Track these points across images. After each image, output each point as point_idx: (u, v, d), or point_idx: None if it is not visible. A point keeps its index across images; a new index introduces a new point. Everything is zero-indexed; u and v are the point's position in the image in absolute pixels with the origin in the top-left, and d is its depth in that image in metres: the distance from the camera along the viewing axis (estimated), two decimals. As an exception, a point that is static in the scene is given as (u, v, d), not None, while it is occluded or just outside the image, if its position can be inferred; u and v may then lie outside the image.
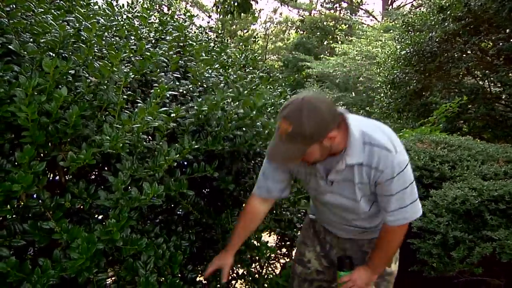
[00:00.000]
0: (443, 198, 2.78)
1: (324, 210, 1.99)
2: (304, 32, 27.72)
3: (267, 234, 4.00)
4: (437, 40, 6.53)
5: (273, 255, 4.20)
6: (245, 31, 28.39)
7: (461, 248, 2.50)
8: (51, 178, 1.92)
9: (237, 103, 2.07)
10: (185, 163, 2.07)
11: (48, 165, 1.87)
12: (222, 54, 2.62)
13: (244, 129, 2.15)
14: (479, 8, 5.94)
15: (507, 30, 6.17)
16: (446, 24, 6.42)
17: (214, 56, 2.51)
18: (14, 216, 1.61)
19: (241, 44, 3.52)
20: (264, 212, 1.99)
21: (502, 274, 2.72)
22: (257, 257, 3.24)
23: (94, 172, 2.07)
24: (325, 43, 26.62)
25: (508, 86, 6.06)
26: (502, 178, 2.95)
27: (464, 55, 6.73)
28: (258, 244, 2.30)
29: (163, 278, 1.92)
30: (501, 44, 6.06)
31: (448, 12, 6.49)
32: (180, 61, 2.43)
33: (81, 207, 1.74)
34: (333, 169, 1.70)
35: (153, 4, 3.94)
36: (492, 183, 2.75)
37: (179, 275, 2.03)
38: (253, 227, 2.02)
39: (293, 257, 2.40)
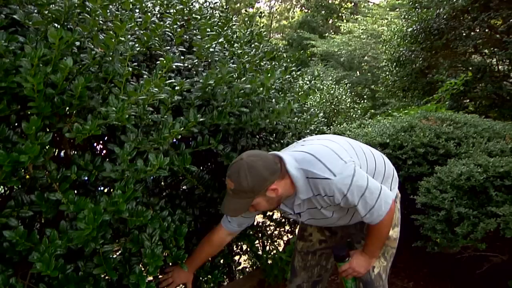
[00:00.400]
0: (448, 174, 2.78)
1: (311, 224, 2.18)
2: (309, 10, 27.36)
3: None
4: (444, 17, 6.43)
5: (276, 232, 4.25)
6: (249, 8, 28.04)
7: (465, 224, 2.51)
8: (56, 153, 1.93)
9: (243, 78, 2.05)
10: (190, 138, 2.08)
11: (54, 139, 1.88)
12: (226, 28, 2.59)
13: (250, 105, 2.14)
14: (489, -16, 5.83)
15: (519, 6, 6.05)
16: (454, 0, 6.30)
17: (218, 30, 2.47)
18: (21, 187, 1.62)
19: (246, 19, 3.47)
20: (228, 241, 2.17)
21: (506, 250, 2.73)
22: (260, 234, 3.28)
23: (99, 146, 2.08)
24: (330, 21, 26.29)
25: (516, 64, 5.98)
26: (508, 155, 2.94)
27: (472, 33, 6.63)
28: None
29: (168, 251, 1.94)
30: (511, 20, 5.94)
31: (457, -12, 6.37)
32: (185, 36, 2.41)
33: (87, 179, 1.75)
34: (294, 205, 1.88)
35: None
36: (498, 160, 2.74)
37: (184, 248, 2.06)
38: (215, 253, 2.24)
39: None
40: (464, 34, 6.56)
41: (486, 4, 6.30)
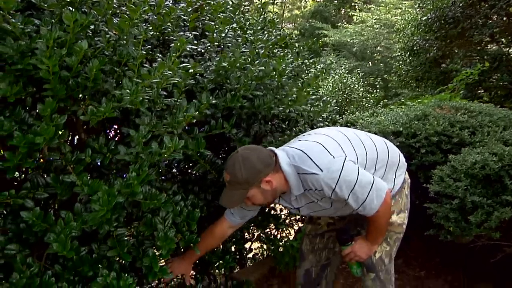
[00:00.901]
0: (462, 163, 2.75)
1: (316, 215, 2.21)
2: (321, 0, 27.08)
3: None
4: (460, 5, 6.30)
5: (287, 220, 4.26)
6: (261, -2, 27.80)
7: (479, 212, 2.49)
8: (70, 137, 1.95)
9: (257, 61, 2.05)
10: (203, 123, 2.08)
11: (68, 123, 1.90)
12: (237, 13, 2.57)
13: (263, 90, 2.14)
14: (508, -30, 5.69)
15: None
16: (471, -13, 6.18)
17: (231, 15, 2.46)
18: (36, 169, 1.64)
19: (259, 6, 3.44)
20: (230, 233, 2.21)
21: (519, 239, 2.71)
22: (271, 219, 3.28)
23: (113, 131, 2.09)
24: (342, 11, 25.99)
25: (534, 54, 5.86)
26: (524, 144, 2.90)
27: (489, 21, 6.48)
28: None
29: (180, 235, 1.95)
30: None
31: (474, -25, 6.24)
32: (197, 22, 2.40)
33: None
34: (291, 201, 1.96)
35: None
36: (514, 149, 2.70)
37: (196, 232, 2.07)
38: (216, 245, 2.27)
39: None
40: (480, 23, 6.42)
41: (505, -9, 6.17)
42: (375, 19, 15.36)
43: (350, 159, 1.81)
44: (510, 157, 2.59)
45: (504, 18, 6.55)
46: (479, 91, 7.22)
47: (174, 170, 2.42)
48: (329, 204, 1.94)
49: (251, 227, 3.01)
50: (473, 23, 6.37)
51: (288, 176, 1.84)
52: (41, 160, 1.68)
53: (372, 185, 1.81)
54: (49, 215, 1.51)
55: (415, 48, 7.70)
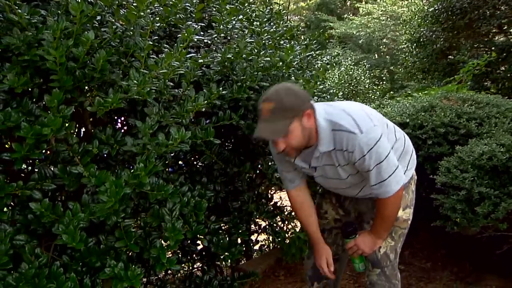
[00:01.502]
0: (469, 154, 2.73)
1: (329, 186, 2.12)
2: (327, -9, 26.88)
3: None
4: (468, -4, 6.25)
5: (293, 212, 4.26)
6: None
7: (486, 203, 2.48)
8: (77, 129, 1.95)
9: (262, 52, 2.04)
10: (211, 115, 2.08)
11: (75, 114, 1.90)
12: (246, 4, 2.56)
13: (270, 81, 2.13)
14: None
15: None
16: (479, -22, 6.12)
17: (239, 7, 2.45)
18: (44, 160, 1.65)
19: (265, -2, 3.43)
20: (306, 197, 2.11)
21: (527, 230, 2.69)
22: (278, 211, 3.29)
23: (120, 122, 2.09)
24: (348, 3, 25.82)
25: (542, 45, 5.80)
26: (532, 135, 2.87)
27: (498, 11, 6.42)
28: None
29: (187, 226, 1.96)
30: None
31: (482, -35, 6.17)
32: (204, 13, 2.40)
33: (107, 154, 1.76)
34: (312, 158, 1.87)
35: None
36: (522, 140, 2.68)
37: (203, 224, 2.07)
38: (311, 212, 2.14)
39: None
40: (488, 13, 6.36)
41: (513, -19, 6.10)
42: (381, 11, 15.27)
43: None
44: (518, 148, 2.57)
45: (513, 9, 6.49)
46: (486, 83, 7.17)
47: (181, 162, 2.43)
48: (347, 174, 1.88)
49: (257, 219, 3.01)
50: (481, 14, 6.31)
51: (321, 129, 1.77)
52: (48, 151, 1.69)
53: (396, 169, 1.79)
54: (57, 206, 1.52)
55: (421, 40, 7.65)
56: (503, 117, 3.23)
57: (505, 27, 6.80)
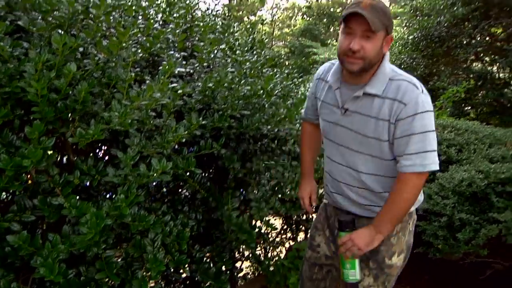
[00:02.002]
0: (450, 180, 2.78)
1: (331, 154, 1.93)
2: (311, 18, 27.46)
3: (272, 217, 4.04)
4: (445, 24, 6.46)
5: (278, 239, 4.25)
6: (251, 16, 28.20)
7: (466, 230, 2.52)
8: (59, 158, 1.94)
9: (243, 81, 2.07)
10: (192, 143, 2.09)
11: (57, 144, 1.89)
12: (226, 34, 2.61)
13: (252, 109, 2.16)
14: (489, -8, 5.87)
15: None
16: (455, 8, 6.34)
17: (220, 36, 2.49)
18: (23, 191, 1.63)
19: (248, 27, 3.50)
20: (315, 132, 2.11)
21: (508, 256, 2.73)
22: (262, 240, 3.28)
23: (102, 150, 2.09)
24: (331, 29, 26.37)
25: (517, 72, 6.00)
26: (509, 161, 2.95)
27: (473, 40, 6.66)
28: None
29: (170, 256, 1.94)
30: (511, 28, 5.97)
31: (458, -4, 6.41)
32: (187, 42, 2.43)
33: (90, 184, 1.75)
34: (350, 97, 1.74)
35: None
36: (499, 166, 2.75)
37: (187, 254, 2.06)
38: (316, 145, 2.15)
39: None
40: (465, 42, 6.60)
41: (486, 13, 6.34)
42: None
43: None
44: (496, 174, 2.63)
45: (487, 38, 6.73)
46: (466, 108, 7.33)
47: (164, 190, 2.42)
48: (371, 133, 1.71)
49: (242, 248, 2.99)
50: (458, 42, 6.53)
51: (380, 70, 1.68)
52: (29, 181, 1.67)
53: (435, 151, 1.62)
54: (36, 238, 1.49)
55: (402, 66, 7.82)
56: (481, 143, 3.32)
57: (481, 55, 7.02)
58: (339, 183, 1.92)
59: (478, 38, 6.69)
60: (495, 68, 7.00)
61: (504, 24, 6.30)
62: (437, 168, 1.65)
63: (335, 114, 1.83)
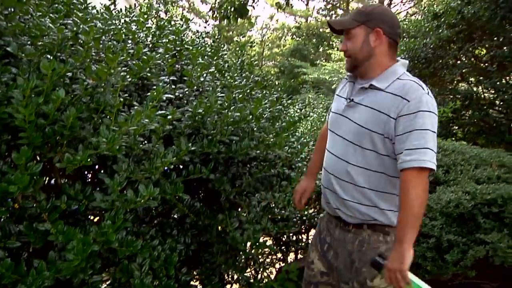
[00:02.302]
0: (437, 201, 2.80)
1: (329, 146, 2.00)
2: (300, 39, 27.82)
3: (262, 238, 4.02)
4: (431, 46, 6.59)
5: (268, 260, 4.22)
6: (241, 37, 28.50)
7: (455, 251, 2.53)
8: (47, 181, 1.93)
9: (232, 107, 2.09)
10: (181, 166, 2.09)
11: (44, 167, 1.88)
12: (216, 58, 2.64)
13: (241, 134, 2.17)
14: (472, 16, 6.00)
15: (500, 37, 6.23)
16: (440, 31, 6.48)
17: (209, 60, 2.52)
18: (9, 217, 1.61)
19: (237, 49, 3.54)
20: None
21: (496, 277, 2.74)
22: (251, 262, 3.26)
23: (90, 175, 2.08)
24: (321, 49, 26.71)
25: (501, 92, 6.11)
26: (495, 182, 2.98)
27: (459, 62, 6.79)
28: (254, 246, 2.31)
29: (157, 281, 1.92)
30: (494, 51, 6.11)
31: (442, 19, 6.55)
32: (176, 65, 2.45)
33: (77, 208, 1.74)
34: (357, 89, 1.88)
35: (150, 8, 3.97)
36: (485, 187, 2.78)
37: (174, 277, 2.04)
38: (322, 147, 2.14)
39: None
40: (450, 63, 6.72)
41: (470, 35, 6.49)
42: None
43: None
44: (482, 195, 2.66)
45: (472, 59, 6.87)
46: (453, 128, 7.43)
47: (153, 213, 2.41)
48: (370, 125, 1.77)
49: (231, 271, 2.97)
50: (444, 64, 6.65)
51: (391, 69, 1.81)
52: (16, 205, 1.66)
53: (435, 153, 1.65)
54: (21, 265, 1.47)
55: (390, 87, 7.92)
56: (467, 164, 3.36)
57: (467, 76, 7.15)
58: (330, 176, 1.96)
59: (463, 59, 6.83)
60: (480, 88, 7.13)
61: (487, 46, 6.45)
62: (434, 168, 1.66)
63: (341, 105, 1.94)
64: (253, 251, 2.16)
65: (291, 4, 8.89)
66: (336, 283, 2.05)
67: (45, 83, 1.50)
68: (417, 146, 1.64)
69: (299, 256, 4.62)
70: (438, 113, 1.77)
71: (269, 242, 4.28)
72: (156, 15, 4.16)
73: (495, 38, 6.34)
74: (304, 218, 3.82)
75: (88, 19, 1.87)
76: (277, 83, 3.67)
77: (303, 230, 4.48)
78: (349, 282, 1.90)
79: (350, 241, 1.91)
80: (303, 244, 4.63)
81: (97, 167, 1.98)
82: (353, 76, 1.97)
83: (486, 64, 6.59)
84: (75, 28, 1.79)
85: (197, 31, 3.61)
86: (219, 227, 2.36)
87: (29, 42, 1.70)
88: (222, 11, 7.58)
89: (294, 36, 29.89)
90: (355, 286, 1.89)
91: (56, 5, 2.04)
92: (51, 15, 1.77)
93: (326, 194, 2.01)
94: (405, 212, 1.66)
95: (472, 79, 7.21)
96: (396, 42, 1.87)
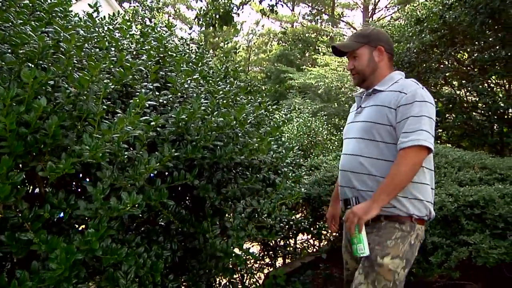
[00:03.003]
0: (421, 204, 2.83)
1: (344, 150, 2.25)
2: (286, 44, 27.99)
3: (250, 244, 4.02)
4: (415, 50, 6.68)
5: (256, 265, 4.22)
6: (227, 43, 28.54)
7: (439, 253, 2.56)
8: (30, 190, 1.91)
9: (216, 112, 2.10)
10: (166, 173, 2.09)
11: (28, 176, 1.87)
12: (200, 64, 2.65)
13: (225, 139, 2.18)
14: (454, 21, 6.10)
15: (480, 42, 6.34)
16: (423, 35, 6.57)
17: (193, 67, 2.53)
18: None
19: (222, 55, 3.55)
20: None
21: (479, 277, 2.78)
22: (239, 267, 3.25)
23: (74, 183, 2.06)
24: (307, 54, 26.89)
25: (483, 96, 6.21)
26: (477, 184, 3.03)
27: (442, 66, 6.89)
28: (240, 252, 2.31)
29: (144, 289, 1.91)
30: (475, 55, 6.22)
31: (425, 24, 6.64)
32: (161, 72, 2.45)
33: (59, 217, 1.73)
34: (363, 99, 2.20)
35: (134, 16, 3.97)
36: (468, 189, 2.82)
37: (160, 285, 2.03)
38: None
39: None
40: (434, 67, 6.81)
41: (452, 40, 6.59)
42: (337, 62, 15.86)
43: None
44: (465, 197, 2.70)
45: (455, 63, 6.96)
46: (437, 131, 7.52)
47: (139, 220, 2.39)
48: (369, 124, 2.05)
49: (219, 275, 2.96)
50: (428, 67, 6.73)
51: (389, 76, 2.13)
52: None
53: (432, 137, 1.90)
54: (2, 276, 1.46)
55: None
56: (450, 167, 3.40)
57: (450, 80, 7.25)
58: (346, 173, 2.16)
59: (446, 63, 6.92)
60: (463, 92, 7.23)
61: (469, 50, 6.56)
62: (431, 147, 1.89)
63: (352, 116, 2.26)
64: (236, 260, 2.15)
65: (276, 11, 8.96)
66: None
67: (26, 91, 1.49)
68: (413, 129, 1.88)
69: (287, 261, 4.62)
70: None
71: (257, 248, 4.29)
72: (141, 22, 4.16)
73: (476, 43, 6.46)
74: (292, 223, 3.84)
75: (70, 27, 1.86)
76: (263, 88, 3.68)
77: (291, 235, 4.50)
78: (360, 264, 2.04)
79: (369, 231, 2.02)
80: (291, 249, 4.64)
81: (81, 175, 1.97)
82: (362, 92, 2.26)
83: (469, 68, 6.70)
84: (56, 36, 1.78)
85: (182, 38, 3.61)
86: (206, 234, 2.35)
87: (9, 50, 1.69)
88: (208, 18, 7.60)
89: (280, 42, 30.05)
90: (366, 264, 2.00)
91: (38, 12, 2.03)
92: (32, 23, 1.76)
93: (346, 192, 2.16)
94: (388, 179, 1.91)
95: (455, 82, 7.31)
96: (392, 55, 2.22)
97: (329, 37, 25.60)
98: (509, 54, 5.74)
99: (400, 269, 1.96)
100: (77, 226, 1.92)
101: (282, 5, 9.45)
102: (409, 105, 1.91)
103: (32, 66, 1.64)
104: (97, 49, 2.12)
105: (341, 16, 29.72)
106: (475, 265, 2.44)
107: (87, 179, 1.88)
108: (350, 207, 2.03)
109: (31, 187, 1.93)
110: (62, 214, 1.71)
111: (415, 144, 1.86)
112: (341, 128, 9.87)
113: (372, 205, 1.92)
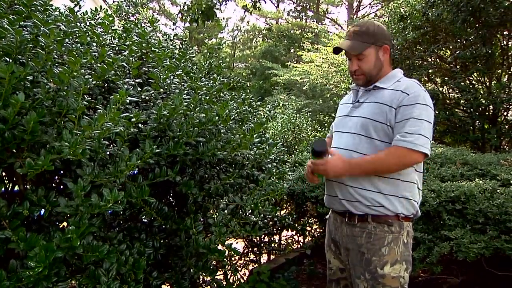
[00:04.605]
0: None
1: (336, 143, 2.19)
2: (272, 40, 27.97)
3: (234, 240, 4.02)
4: (398, 47, 6.73)
5: (240, 261, 4.22)
6: (211, 39, 28.42)
7: (421, 248, 2.59)
8: (9, 188, 1.88)
9: (198, 107, 2.08)
10: (148, 170, 2.07)
11: (7, 173, 1.83)
12: (184, 60, 2.63)
13: (207, 136, 2.16)
14: (436, 18, 6.15)
15: (462, 39, 6.42)
16: (406, 32, 6.62)
17: (176, 63, 2.50)
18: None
19: (206, 51, 3.53)
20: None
21: (461, 271, 2.82)
22: (222, 264, 3.24)
23: (55, 180, 2.03)
24: (292, 51, 26.93)
25: (465, 92, 6.29)
26: (459, 180, 3.07)
27: (425, 62, 6.95)
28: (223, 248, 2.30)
29: (126, 286, 1.90)
30: (457, 52, 6.29)
31: (408, 21, 6.69)
32: (143, 68, 2.43)
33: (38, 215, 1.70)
34: (363, 93, 2.14)
35: (118, 11, 3.92)
36: (450, 185, 2.86)
37: (144, 282, 2.02)
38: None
39: None
40: (417, 64, 6.87)
41: (435, 37, 6.65)
42: (322, 59, 15.89)
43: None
44: (446, 193, 2.73)
45: (437, 60, 7.04)
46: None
47: (121, 217, 2.37)
48: (366, 120, 2.01)
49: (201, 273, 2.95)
50: (411, 64, 6.79)
51: (391, 74, 2.09)
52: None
53: (429, 142, 1.89)
54: (-21, 276, 1.43)
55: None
56: (433, 163, 3.44)
57: (433, 76, 7.33)
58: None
59: (429, 60, 6.99)
60: (445, 88, 7.31)
61: (451, 47, 6.63)
62: (428, 152, 1.89)
63: (348, 109, 2.18)
64: (218, 257, 2.14)
65: (259, 7, 8.94)
66: (350, 280, 2.15)
67: (3, 87, 1.46)
68: (412, 131, 1.86)
69: (272, 257, 4.64)
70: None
71: (242, 244, 4.29)
72: (124, 17, 4.11)
73: (458, 40, 6.53)
74: (276, 219, 3.85)
75: (50, 21, 1.83)
76: (248, 84, 3.67)
77: (275, 231, 4.51)
78: (361, 276, 1.98)
79: (358, 235, 2.01)
80: (275, 245, 4.66)
81: (62, 172, 1.94)
82: (356, 85, 2.21)
83: (451, 65, 6.77)
84: (35, 30, 1.74)
85: (165, 33, 3.58)
86: (189, 231, 2.34)
87: (-14, 45, 1.65)
88: (190, 14, 7.56)
89: (265, 38, 30.03)
90: (367, 277, 1.96)
91: (17, 6, 1.99)
92: (10, 16, 1.72)
93: (334, 187, 2.12)
94: (373, 159, 1.93)
95: (438, 79, 7.39)
96: (391, 50, 2.18)
97: (313, 34, 25.65)
98: (489, 51, 5.83)
99: (403, 272, 1.96)
100: (57, 223, 1.90)
101: (265, 1, 9.40)
102: (411, 106, 1.88)
103: (10, 60, 1.60)
104: (78, 44, 2.09)
105: (326, 13, 29.87)
106: (456, 259, 2.47)
107: (68, 177, 1.85)
108: (324, 157, 2.00)
109: (11, 185, 1.90)
110: (42, 212, 1.68)
111: (412, 148, 1.85)
112: (326, 125, 9.92)
113: (344, 168, 1.98)
